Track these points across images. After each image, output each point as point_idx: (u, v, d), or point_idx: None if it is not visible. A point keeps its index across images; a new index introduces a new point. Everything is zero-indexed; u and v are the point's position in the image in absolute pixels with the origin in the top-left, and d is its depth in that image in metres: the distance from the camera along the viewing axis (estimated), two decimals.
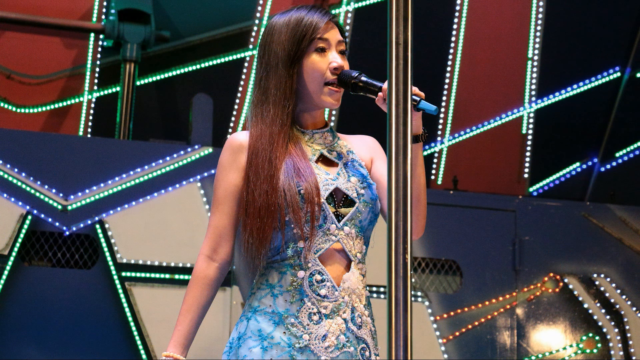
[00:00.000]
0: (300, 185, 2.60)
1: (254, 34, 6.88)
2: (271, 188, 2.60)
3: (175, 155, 5.72)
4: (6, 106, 6.53)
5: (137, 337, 5.44)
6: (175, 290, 5.53)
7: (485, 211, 6.19)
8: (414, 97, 2.55)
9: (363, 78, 2.67)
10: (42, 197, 5.47)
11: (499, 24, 7.26)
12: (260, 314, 2.60)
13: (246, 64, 6.84)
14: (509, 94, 7.25)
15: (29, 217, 5.43)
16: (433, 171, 7.12)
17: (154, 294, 5.51)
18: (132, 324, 5.44)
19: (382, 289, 5.84)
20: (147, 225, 5.58)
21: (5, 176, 5.44)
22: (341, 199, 2.65)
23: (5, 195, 5.42)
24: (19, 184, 5.45)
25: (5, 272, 5.35)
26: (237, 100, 6.76)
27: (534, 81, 7.23)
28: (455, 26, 7.14)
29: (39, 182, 5.48)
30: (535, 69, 7.21)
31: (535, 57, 7.20)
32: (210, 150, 5.79)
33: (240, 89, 6.79)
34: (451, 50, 7.15)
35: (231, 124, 6.73)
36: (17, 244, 5.39)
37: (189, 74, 6.83)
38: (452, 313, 6.03)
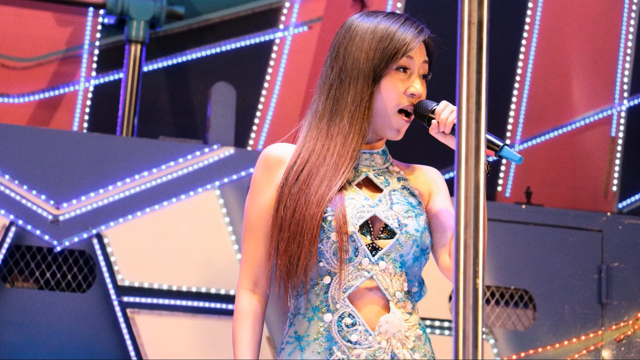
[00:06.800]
0: (327, 210, 2.69)
1: (285, 11, 6.90)
2: (318, 213, 2.68)
3: (189, 157, 5.75)
4: None
5: None
6: (187, 320, 5.54)
7: (565, 230, 6.16)
8: (496, 140, 2.63)
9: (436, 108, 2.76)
10: (28, 204, 5.51)
11: (588, 1, 7.23)
12: None
13: (276, 48, 6.86)
14: (596, 88, 7.21)
15: (13, 228, 5.46)
16: (500, 181, 7.10)
17: (162, 324, 5.53)
18: (134, 359, 5.47)
19: (436, 323, 5.83)
20: (155, 240, 5.60)
21: None
22: (380, 229, 2.72)
23: None
24: (1, 188, 5.49)
25: None
26: (264, 92, 6.78)
27: (626, 73, 7.19)
28: (530, 4, 7.11)
29: (25, 187, 5.52)
30: (629, 59, 7.18)
31: (629, 45, 7.17)
32: (232, 151, 5.80)
33: (269, 77, 6.80)
34: (525, 34, 7.13)
35: (256, 120, 6.75)
36: None
37: (206, 58, 6.86)
38: (522, 354, 6.01)
